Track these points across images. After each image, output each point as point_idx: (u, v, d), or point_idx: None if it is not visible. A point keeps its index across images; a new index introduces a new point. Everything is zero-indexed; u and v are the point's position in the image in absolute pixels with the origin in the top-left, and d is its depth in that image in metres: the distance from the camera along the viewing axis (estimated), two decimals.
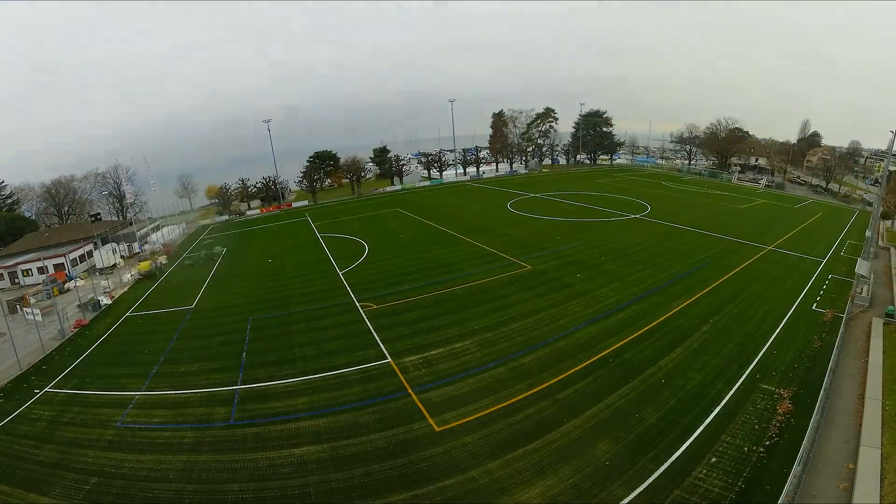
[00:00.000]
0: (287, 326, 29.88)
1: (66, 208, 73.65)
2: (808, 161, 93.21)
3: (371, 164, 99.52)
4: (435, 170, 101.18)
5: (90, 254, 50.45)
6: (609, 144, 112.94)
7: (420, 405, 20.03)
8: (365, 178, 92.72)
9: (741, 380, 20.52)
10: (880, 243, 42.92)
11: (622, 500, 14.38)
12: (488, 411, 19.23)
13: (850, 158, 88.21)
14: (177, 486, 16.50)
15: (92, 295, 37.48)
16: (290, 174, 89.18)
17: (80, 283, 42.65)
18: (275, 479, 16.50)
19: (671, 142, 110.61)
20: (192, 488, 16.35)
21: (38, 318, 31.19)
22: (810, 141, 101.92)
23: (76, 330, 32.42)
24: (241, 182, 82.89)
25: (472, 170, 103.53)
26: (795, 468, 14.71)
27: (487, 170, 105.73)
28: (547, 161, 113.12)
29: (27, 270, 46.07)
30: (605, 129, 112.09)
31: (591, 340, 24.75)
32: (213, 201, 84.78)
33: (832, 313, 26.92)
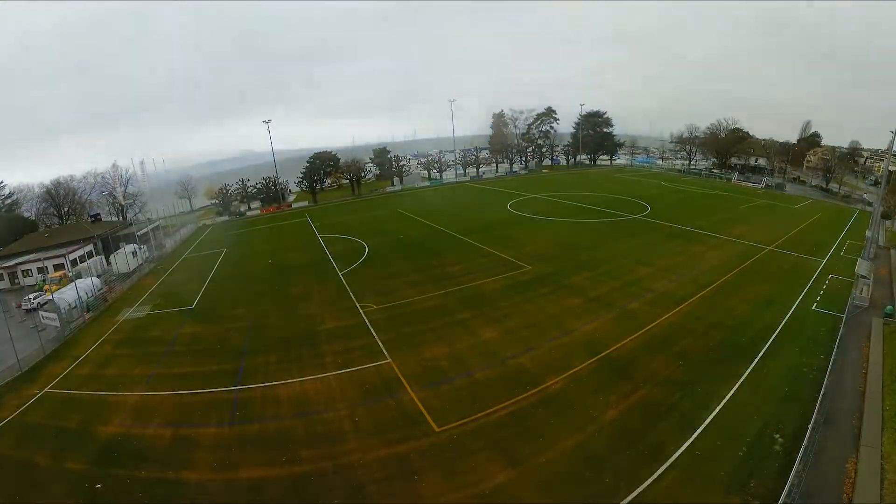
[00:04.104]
0: (287, 327, 29.85)
1: (65, 209, 73.52)
2: (808, 161, 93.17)
3: (371, 164, 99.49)
4: (435, 170, 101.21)
5: (90, 254, 50.25)
6: (609, 145, 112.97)
7: (420, 405, 20.03)
8: (365, 178, 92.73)
9: (741, 379, 20.52)
10: (880, 243, 42.89)
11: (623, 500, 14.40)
12: (489, 411, 19.22)
13: (850, 158, 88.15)
14: (176, 488, 16.49)
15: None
16: (290, 174, 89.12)
17: None
18: (273, 481, 16.49)
19: (671, 142, 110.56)
20: (189, 491, 16.34)
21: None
22: (810, 141, 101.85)
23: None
24: (240, 183, 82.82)
25: (471, 170, 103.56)
26: (796, 468, 14.70)
27: (487, 170, 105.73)
28: (547, 161, 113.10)
29: (27, 271, 46.04)
30: (605, 130, 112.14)
31: (591, 341, 24.75)
32: (212, 202, 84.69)
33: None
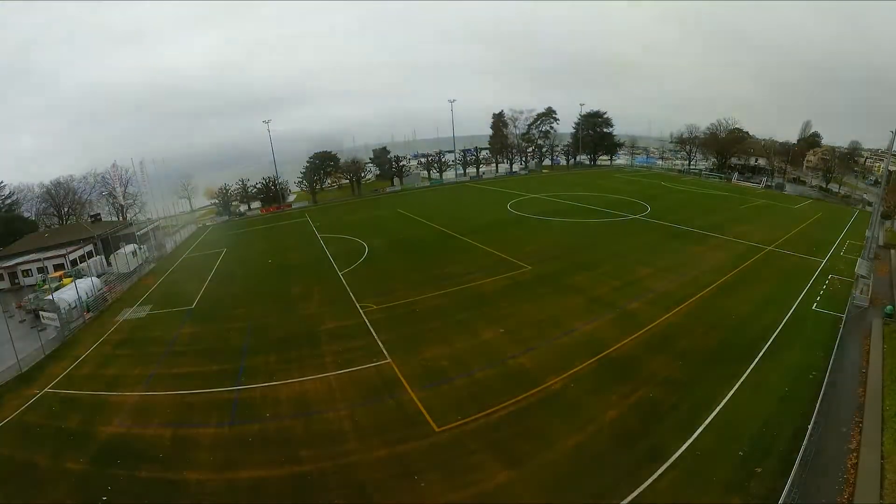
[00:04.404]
0: (287, 327, 29.85)
1: (65, 209, 73.56)
2: (808, 161, 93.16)
3: (371, 164, 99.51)
4: (435, 170, 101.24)
5: (90, 254, 50.23)
6: (609, 145, 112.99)
7: (420, 405, 20.02)
8: (365, 178, 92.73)
9: (741, 380, 20.51)
10: (880, 243, 42.88)
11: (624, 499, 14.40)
12: (489, 411, 19.22)
13: (850, 158, 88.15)
14: (177, 488, 16.48)
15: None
16: (291, 174, 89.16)
17: None
18: (273, 481, 16.49)
19: (671, 142, 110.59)
20: (189, 491, 16.34)
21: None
22: (810, 141, 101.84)
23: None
24: (240, 183, 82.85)
25: (471, 170, 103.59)
26: (795, 468, 14.71)
27: (487, 170, 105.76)
28: (547, 161, 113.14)
29: (27, 271, 46.05)
30: (605, 130, 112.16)
31: (591, 341, 24.75)
32: (212, 202, 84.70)
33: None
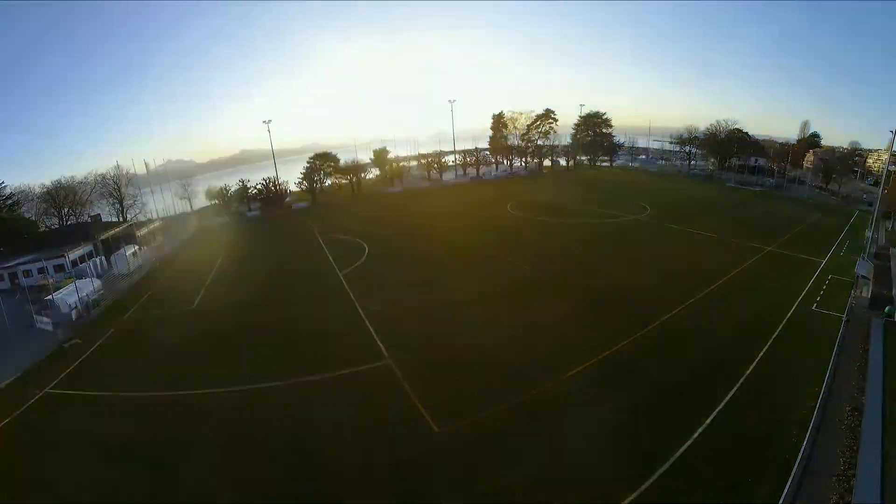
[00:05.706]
0: (287, 328, 29.84)
1: (66, 209, 73.55)
2: (807, 161, 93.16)
3: (371, 165, 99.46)
4: (435, 171, 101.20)
5: (90, 255, 50.20)
6: (609, 146, 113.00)
7: (420, 406, 20.03)
8: (365, 179, 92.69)
9: (741, 379, 20.53)
10: (880, 243, 42.88)
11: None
12: (489, 412, 19.22)
13: (850, 158, 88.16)
14: (177, 488, 16.49)
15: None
16: (291, 175, 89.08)
17: None
18: (274, 482, 16.50)
19: (671, 142, 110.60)
20: (190, 489, 16.35)
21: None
22: (810, 141, 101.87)
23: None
24: (240, 183, 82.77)
25: (471, 171, 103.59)
26: (796, 468, 14.72)
27: (487, 171, 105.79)
28: (547, 162, 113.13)
29: (27, 271, 46.05)
30: (604, 131, 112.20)
31: (591, 341, 24.74)
32: (213, 203, 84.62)
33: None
